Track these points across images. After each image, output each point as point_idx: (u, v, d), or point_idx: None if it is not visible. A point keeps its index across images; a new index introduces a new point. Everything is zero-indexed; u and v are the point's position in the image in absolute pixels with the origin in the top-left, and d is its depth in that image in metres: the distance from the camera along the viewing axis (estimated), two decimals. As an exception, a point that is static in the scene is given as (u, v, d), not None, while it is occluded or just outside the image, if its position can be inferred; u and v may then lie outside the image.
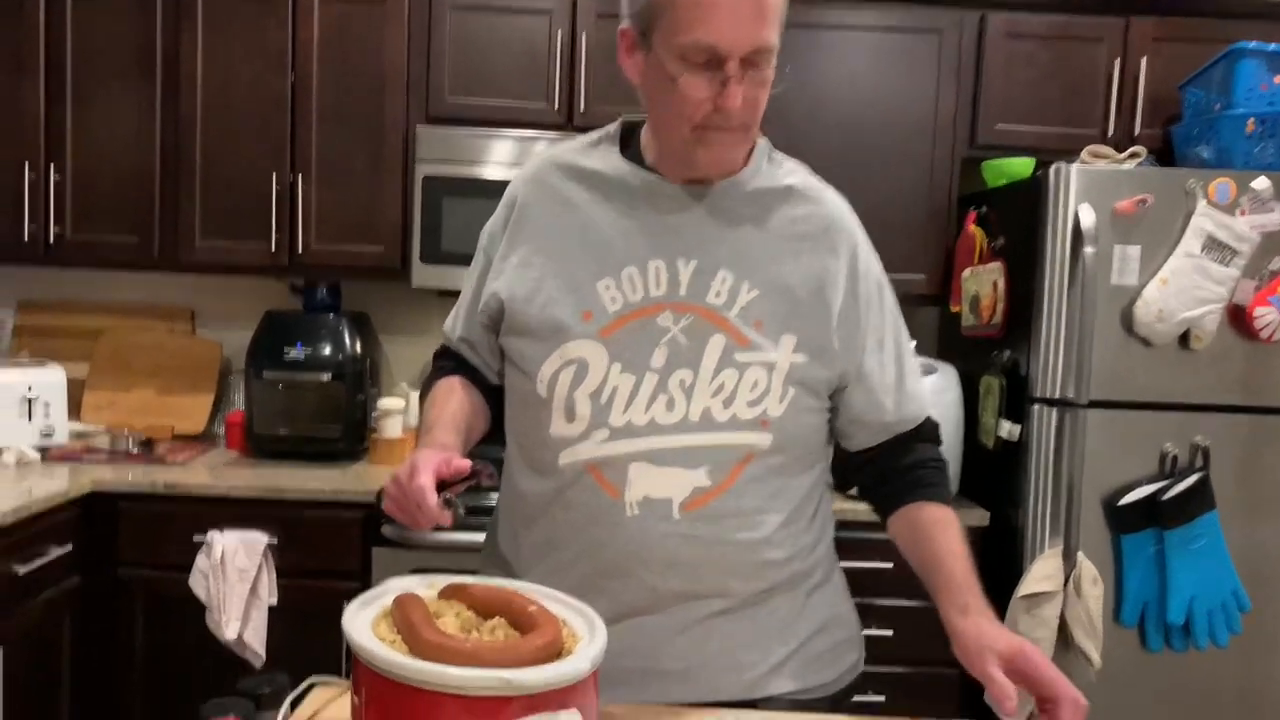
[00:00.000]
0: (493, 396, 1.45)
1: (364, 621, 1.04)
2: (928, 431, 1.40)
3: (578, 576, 1.32)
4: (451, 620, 1.06)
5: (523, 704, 0.92)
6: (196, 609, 2.55)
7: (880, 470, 1.40)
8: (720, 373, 1.28)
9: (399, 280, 2.99)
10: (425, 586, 1.16)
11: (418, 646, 0.97)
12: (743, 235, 1.32)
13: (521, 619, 1.06)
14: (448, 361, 1.48)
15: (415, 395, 3.15)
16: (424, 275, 2.90)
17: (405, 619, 1.02)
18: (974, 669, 1.13)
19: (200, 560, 2.56)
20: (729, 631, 1.32)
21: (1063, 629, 2.38)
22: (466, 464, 1.20)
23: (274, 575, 2.58)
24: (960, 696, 2.59)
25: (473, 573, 1.24)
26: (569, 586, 1.27)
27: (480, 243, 1.44)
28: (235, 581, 2.52)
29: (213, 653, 2.54)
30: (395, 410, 2.95)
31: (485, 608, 1.10)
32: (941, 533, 1.29)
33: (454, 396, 1.40)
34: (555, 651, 0.99)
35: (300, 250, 2.94)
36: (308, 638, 2.60)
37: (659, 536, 1.29)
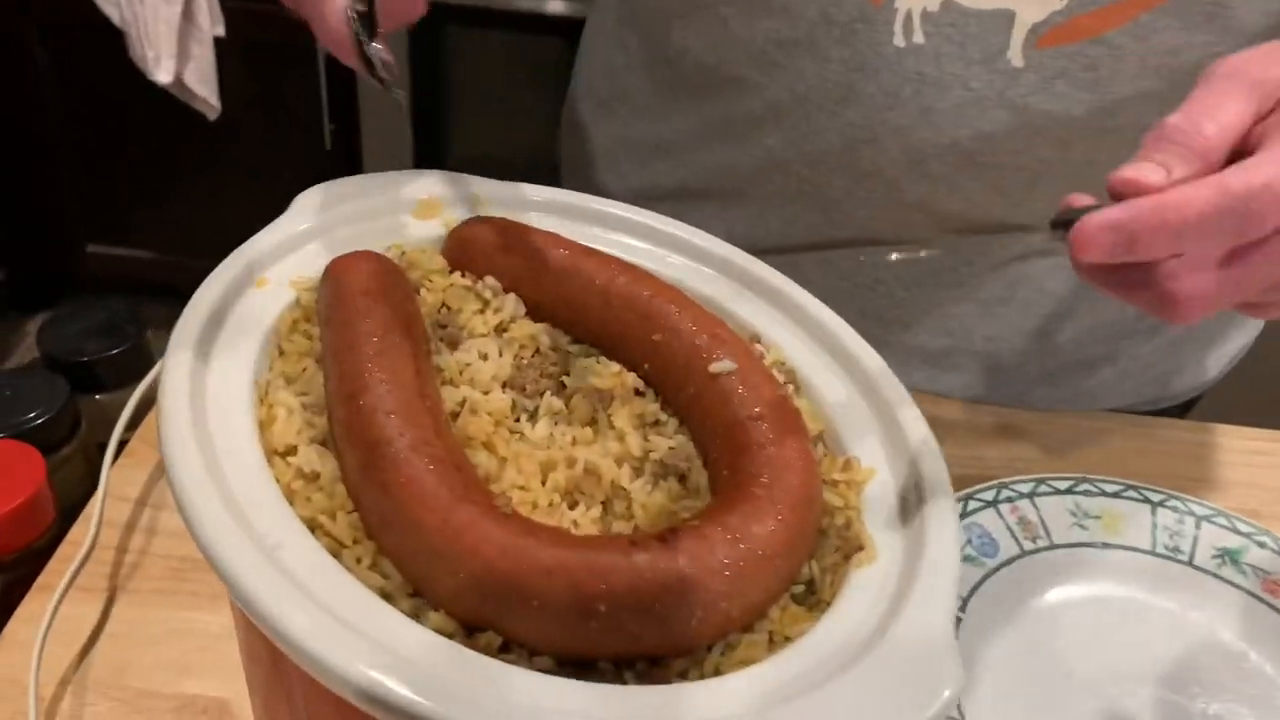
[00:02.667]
0: None
1: (239, 441, 0.34)
2: None
3: (755, 163, 0.64)
4: (486, 370, 0.38)
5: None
6: (116, 38, 1.82)
7: None
8: None
9: None
10: (401, 213, 0.45)
11: (430, 569, 0.30)
12: None
13: (683, 376, 0.37)
14: None
15: None
16: None
17: (368, 436, 0.32)
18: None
19: (103, -34, 1.76)
20: (1042, 291, 0.66)
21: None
22: None
23: (215, -4, 1.81)
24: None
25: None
26: (735, 181, 0.66)
27: None
28: (158, 2, 1.75)
29: (156, 97, 1.86)
30: None
31: (577, 314, 0.41)
32: None
33: None
34: (812, 509, 0.32)
35: None
36: (276, 82, 1.92)
37: (964, 101, 0.57)
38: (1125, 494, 0.59)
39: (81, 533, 0.55)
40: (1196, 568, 0.56)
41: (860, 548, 0.33)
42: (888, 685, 0.28)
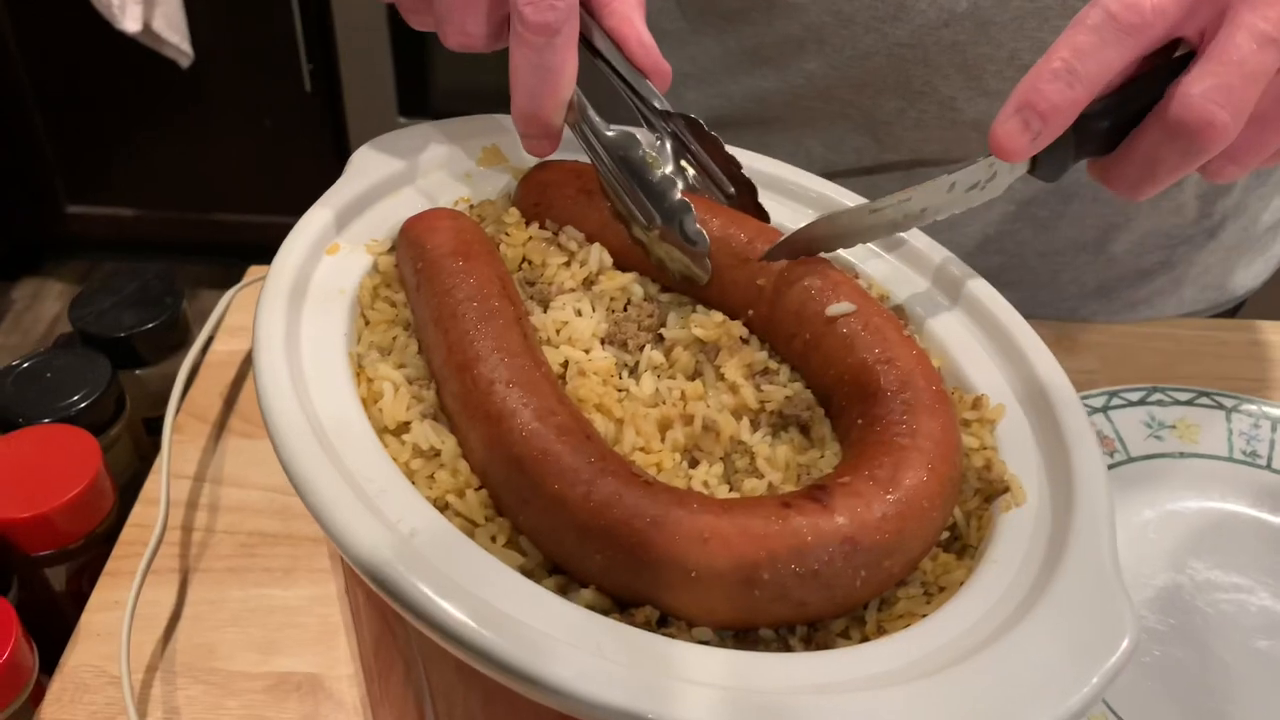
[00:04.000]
0: None
1: (347, 421, 0.33)
2: None
3: (793, 88, 0.62)
4: (584, 328, 0.36)
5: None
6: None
7: None
8: None
9: None
10: (463, 163, 0.43)
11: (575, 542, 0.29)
12: None
13: (795, 322, 0.36)
14: None
15: None
16: None
17: (489, 409, 0.30)
18: None
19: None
20: (1097, 200, 0.64)
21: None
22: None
23: (176, -66, 1.73)
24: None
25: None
26: (773, 108, 0.64)
27: None
28: (118, -55, 1.67)
29: (125, 48, 1.79)
30: None
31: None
32: None
33: None
34: (958, 453, 0.31)
35: None
36: (249, 25, 1.85)
37: (1025, 12, 0.56)
38: (1198, 401, 0.58)
39: (143, 514, 0.53)
40: (1276, 471, 0.56)
41: (1004, 489, 0.32)
42: (1061, 637, 0.27)
